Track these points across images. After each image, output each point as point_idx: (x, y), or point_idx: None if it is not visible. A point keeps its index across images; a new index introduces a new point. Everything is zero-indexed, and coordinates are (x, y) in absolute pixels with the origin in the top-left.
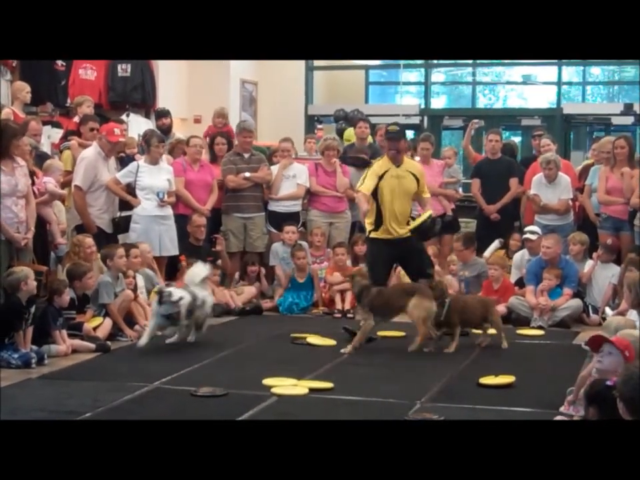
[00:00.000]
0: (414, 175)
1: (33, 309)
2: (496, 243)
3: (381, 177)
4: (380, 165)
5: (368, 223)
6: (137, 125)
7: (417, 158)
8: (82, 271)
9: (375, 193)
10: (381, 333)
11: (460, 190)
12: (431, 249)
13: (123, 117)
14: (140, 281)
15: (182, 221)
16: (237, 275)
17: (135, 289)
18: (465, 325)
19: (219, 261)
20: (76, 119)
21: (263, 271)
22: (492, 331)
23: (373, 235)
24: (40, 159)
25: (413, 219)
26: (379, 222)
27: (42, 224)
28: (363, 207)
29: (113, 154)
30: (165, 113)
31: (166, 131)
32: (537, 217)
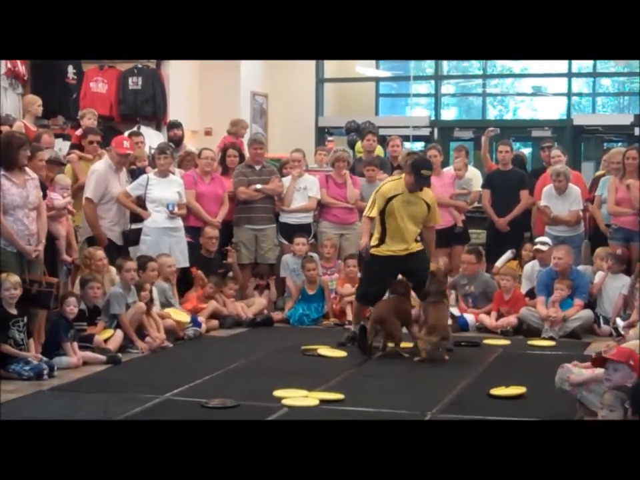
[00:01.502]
0: (426, 203)
1: (25, 319)
2: (508, 254)
3: (389, 200)
4: (392, 186)
5: (373, 238)
6: (147, 138)
7: None
8: (85, 279)
9: (383, 212)
10: (391, 344)
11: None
12: (442, 260)
13: (134, 129)
14: (154, 293)
15: (193, 233)
16: (251, 286)
17: (149, 302)
18: None
19: (230, 273)
20: (78, 132)
21: (272, 280)
22: (505, 342)
23: (374, 250)
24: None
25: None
26: (382, 239)
27: (52, 237)
28: (362, 241)
29: (123, 166)
30: (176, 125)
31: (177, 142)
32: (548, 228)
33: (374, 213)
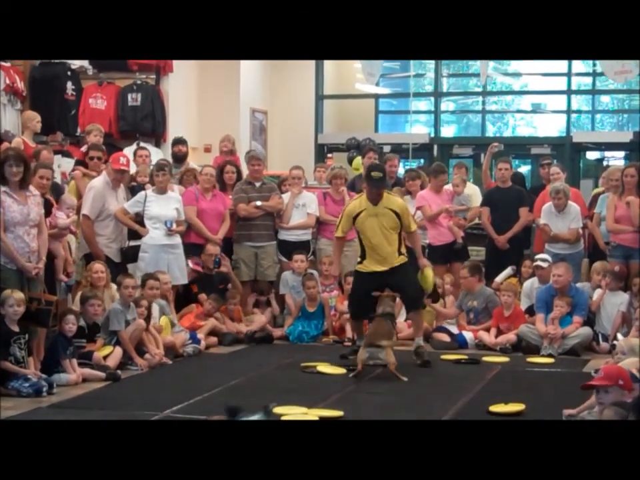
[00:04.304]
0: (394, 212)
1: (26, 337)
2: (508, 270)
3: (355, 217)
4: (356, 204)
5: (358, 255)
6: None
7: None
8: (86, 297)
9: (357, 231)
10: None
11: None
12: (448, 277)
13: (134, 145)
14: (155, 310)
15: (194, 250)
16: (250, 303)
17: (147, 319)
18: None
19: (229, 285)
20: (83, 149)
21: (272, 295)
22: (504, 359)
23: (358, 267)
24: (52, 188)
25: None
26: (363, 256)
27: (51, 255)
28: (332, 268)
29: (121, 182)
30: (182, 141)
31: (182, 158)
32: (547, 246)
33: (339, 232)
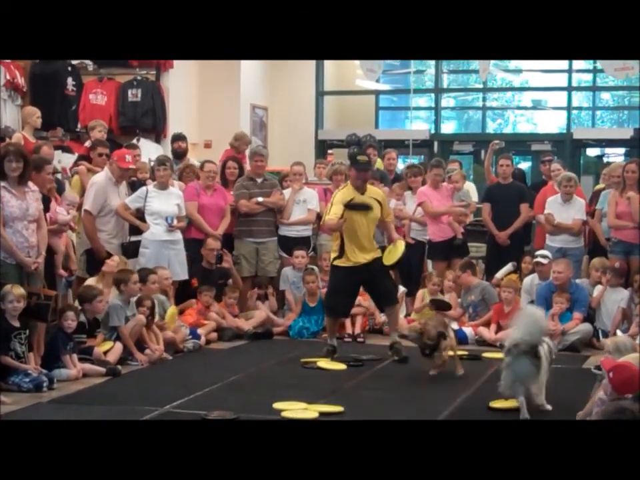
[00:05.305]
0: (377, 201)
1: (27, 332)
2: (509, 266)
3: (346, 206)
4: (344, 193)
5: (332, 251)
6: (147, 150)
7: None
8: (92, 294)
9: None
10: None
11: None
12: (450, 274)
13: (134, 141)
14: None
15: (195, 245)
16: (252, 298)
17: (150, 315)
18: None
19: (230, 280)
20: (87, 144)
21: (271, 289)
22: (500, 355)
23: (336, 262)
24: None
25: (382, 249)
26: (342, 250)
27: (51, 250)
28: (334, 225)
29: (124, 179)
30: (181, 137)
31: (182, 154)
32: (549, 240)
33: (331, 215)
